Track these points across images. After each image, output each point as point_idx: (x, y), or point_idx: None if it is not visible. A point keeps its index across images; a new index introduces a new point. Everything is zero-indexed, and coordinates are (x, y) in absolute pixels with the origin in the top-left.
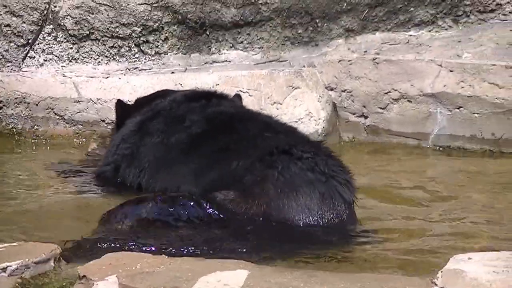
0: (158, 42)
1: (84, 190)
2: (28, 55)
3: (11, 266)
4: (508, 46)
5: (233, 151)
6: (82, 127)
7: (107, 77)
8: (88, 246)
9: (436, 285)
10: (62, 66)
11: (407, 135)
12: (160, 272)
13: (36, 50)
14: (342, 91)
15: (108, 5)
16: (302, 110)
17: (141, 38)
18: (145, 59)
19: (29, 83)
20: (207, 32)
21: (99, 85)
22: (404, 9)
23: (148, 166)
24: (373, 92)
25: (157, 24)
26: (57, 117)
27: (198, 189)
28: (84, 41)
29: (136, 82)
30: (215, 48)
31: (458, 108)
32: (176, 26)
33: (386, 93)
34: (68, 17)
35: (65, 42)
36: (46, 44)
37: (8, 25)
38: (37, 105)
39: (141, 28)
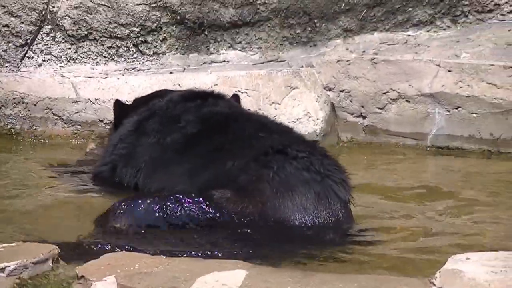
0: (156, 42)
1: (82, 190)
2: (27, 55)
3: (9, 266)
4: (507, 46)
5: (228, 151)
6: (80, 127)
7: (106, 77)
8: (86, 246)
9: (434, 285)
10: (60, 67)
11: (405, 135)
12: (158, 273)
13: (34, 50)
14: (341, 91)
15: (107, 6)
16: (300, 110)
17: (140, 38)
18: (143, 59)
19: (27, 83)
20: (206, 32)
21: (98, 85)
22: (402, 9)
23: (144, 166)
24: (371, 92)
25: (155, 24)
26: (56, 117)
27: (193, 189)
28: (83, 42)
29: (135, 82)
30: (214, 48)
31: (457, 108)
32: (174, 26)
33: (384, 93)
34: (67, 17)
35: (63, 43)
36: (45, 45)
37: (7, 26)
38: (35, 105)
39: (140, 28)
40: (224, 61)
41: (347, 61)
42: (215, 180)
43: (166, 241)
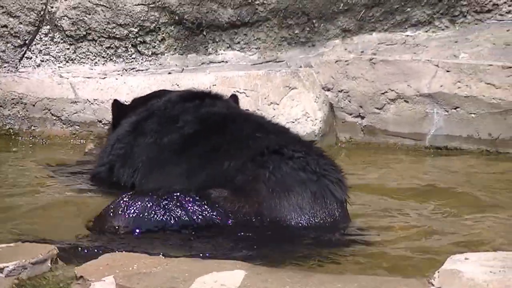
0: (155, 42)
1: (80, 190)
2: (25, 55)
3: (8, 267)
4: (505, 46)
5: (225, 152)
6: (79, 127)
7: (104, 78)
8: (85, 246)
9: (433, 285)
10: (59, 67)
11: (404, 136)
12: (157, 273)
13: (33, 50)
14: (339, 91)
15: (105, 6)
16: (299, 110)
17: (138, 39)
18: (142, 59)
19: (26, 83)
20: (204, 33)
21: (96, 86)
22: (400, 10)
23: (142, 166)
24: (370, 92)
25: (154, 24)
26: (54, 117)
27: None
28: (81, 42)
29: (133, 82)
30: (212, 49)
31: (455, 109)
32: (173, 26)
33: (382, 93)
34: (65, 17)
35: (62, 43)
36: (43, 45)
37: (5, 26)
38: (34, 105)
39: (138, 28)
40: (223, 61)
41: (346, 61)
42: (212, 181)
43: (164, 240)
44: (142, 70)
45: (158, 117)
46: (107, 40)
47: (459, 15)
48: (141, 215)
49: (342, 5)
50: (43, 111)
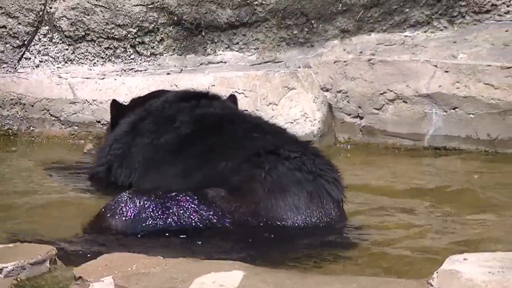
0: (153, 43)
1: (79, 191)
2: (24, 56)
3: (6, 267)
4: (504, 46)
5: (221, 152)
6: (77, 128)
7: (103, 78)
8: (83, 246)
9: (431, 286)
10: (57, 67)
11: (402, 136)
12: (156, 273)
13: (31, 51)
14: (338, 91)
15: (104, 6)
16: (297, 111)
17: (137, 39)
18: (140, 60)
19: (24, 84)
20: (203, 33)
21: (95, 86)
22: (399, 10)
23: (138, 167)
24: (368, 92)
25: (152, 25)
26: (53, 118)
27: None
28: (80, 42)
29: (132, 83)
30: (211, 49)
31: (454, 109)
32: (171, 27)
33: (381, 93)
34: (64, 18)
35: (60, 43)
36: (42, 46)
37: (4, 27)
38: (32, 106)
39: (137, 29)
40: (221, 62)
41: (344, 61)
42: (208, 181)
43: (162, 240)
44: (141, 71)
45: (155, 117)
46: (105, 40)
47: (457, 15)
48: (138, 215)
49: (340, 5)
50: (42, 112)
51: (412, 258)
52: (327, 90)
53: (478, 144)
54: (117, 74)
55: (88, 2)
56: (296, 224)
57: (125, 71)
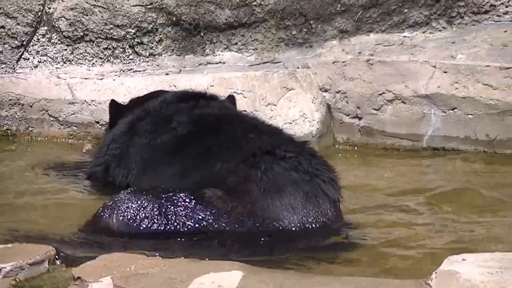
0: (152, 43)
1: (77, 191)
2: (23, 56)
3: (5, 267)
4: (502, 47)
5: (218, 153)
6: (76, 128)
7: (102, 79)
8: (82, 247)
9: (430, 286)
10: (56, 68)
11: (401, 136)
12: (155, 274)
13: (30, 51)
14: (336, 92)
15: (103, 7)
16: (296, 111)
17: (136, 40)
18: (139, 60)
19: (23, 84)
20: (202, 34)
21: (94, 87)
22: (398, 11)
23: (136, 167)
24: (367, 93)
25: (151, 25)
26: (52, 118)
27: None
28: (79, 43)
29: (131, 83)
30: (210, 50)
31: (452, 109)
32: (170, 27)
33: (380, 94)
34: (63, 18)
35: (59, 44)
36: (41, 46)
37: (2, 27)
38: (31, 106)
39: (136, 29)
40: (220, 62)
41: (343, 62)
42: (205, 182)
43: (161, 241)
44: (140, 71)
45: (153, 117)
46: (104, 41)
47: (456, 16)
48: (134, 215)
49: (339, 6)
50: (41, 112)
51: (410, 258)
52: (325, 91)
53: (477, 144)
54: (116, 75)
55: (86, 2)
56: (293, 224)
57: (123, 71)
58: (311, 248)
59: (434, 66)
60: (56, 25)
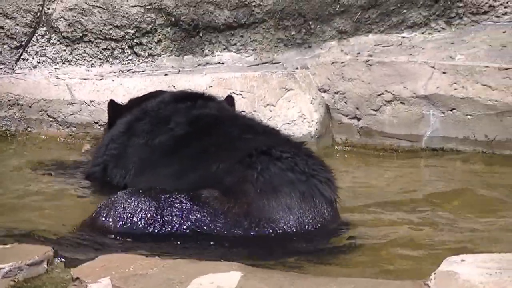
0: (151, 44)
1: (76, 191)
2: (22, 57)
3: (4, 268)
4: (501, 47)
5: (215, 153)
6: (75, 129)
7: (101, 79)
8: (81, 247)
9: (429, 287)
10: (55, 68)
11: (400, 137)
12: (154, 274)
13: (29, 52)
14: (335, 93)
15: (102, 7)
16: (295, 112)
17: (135, 40)
18: (138, 61)
19: (22, 85)
20: (201, 34)
21: (93, 87)
22: (397, 11)
23: (133, 167)
24: (366, 94)
25: (150, 26)
26: (51, 119)
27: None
28: (78, 43)
29: (130, 84)
30: (208, 50)
31: (451, 110)
32: (169, 28)
33: (379, 95)
34: (62, 19)
35: (58, 44)
36: (40, 46)
37: (2, 27)
38: (30, 107)
39: (135, 30)
40: (219, 63)
41: (342, 62)
42: (201, 182)
43: (158, 241)
44: (139, 72)
45: (151, 117)
46: (103, 41)
47: (455, 16)
48: (132, 216)
49: (338, 6)
50: (40, 113)
51: (409, 258)
52: (324, 91)
53: (476, 145)
54: (115, 75)
55: (86, 3)
56: (289, 224)
57: (122, 72)
58: (308, 248)
59: (433, 67)
60: (55, 26)
